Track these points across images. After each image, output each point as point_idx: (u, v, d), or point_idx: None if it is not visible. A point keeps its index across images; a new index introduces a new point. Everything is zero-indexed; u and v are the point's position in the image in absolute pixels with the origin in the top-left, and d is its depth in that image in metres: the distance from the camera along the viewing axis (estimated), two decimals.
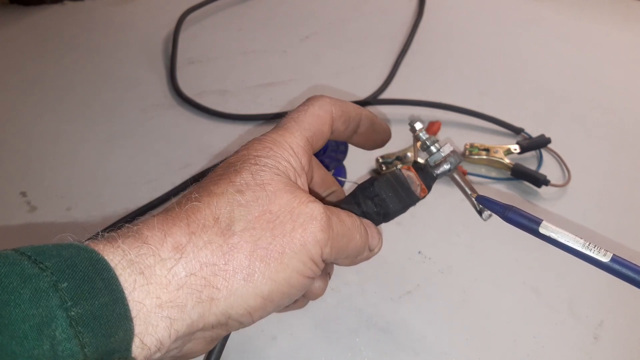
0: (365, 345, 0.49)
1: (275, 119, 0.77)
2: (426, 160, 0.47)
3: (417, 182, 0.45)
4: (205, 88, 0.84)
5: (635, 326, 0.51)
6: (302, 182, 0.34)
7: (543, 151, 0.72)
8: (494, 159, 0.69)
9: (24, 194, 0.66)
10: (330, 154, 0.61)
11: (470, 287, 0.55)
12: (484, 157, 0.69)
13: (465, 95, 0.83)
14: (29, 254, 0.24)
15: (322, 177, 0.42)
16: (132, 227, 0.27)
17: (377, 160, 0.68)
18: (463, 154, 0.70)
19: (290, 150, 0.33)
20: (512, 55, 0.94)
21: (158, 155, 0.71)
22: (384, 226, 0.61)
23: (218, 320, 0.27)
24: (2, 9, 1.04)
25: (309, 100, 0.37)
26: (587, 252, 0.33)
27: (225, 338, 0.43)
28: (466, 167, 0.68)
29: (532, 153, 0.72)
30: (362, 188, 0.44)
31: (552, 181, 0.65)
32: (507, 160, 0.68)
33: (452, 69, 0.90)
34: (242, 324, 0.29)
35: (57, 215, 0.63)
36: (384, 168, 0.67)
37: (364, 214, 0.43)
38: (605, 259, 0.32)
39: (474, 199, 0.46)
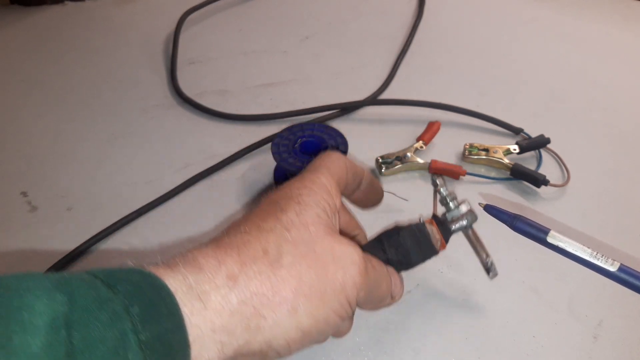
0: (365, 345, 0.50)
1: (275, 119, 0.77)
2: (444, 214, 0.51)
3: (438, 237, 0.47)
4: (205, 88, 0.84)
5: (634, 326, 0.51)
6: (336, 221, 0.36)
7: (542, 151, 0.72)
8: (494, 159, 0.69)
9: (24, 193, 0.66)
10: None
11: (470, 287, 0.55)
12: (484, 157, 0.70)
13: (464, 95, 0.83)
14: (102, 277, 0.25)
15: (347, 221, 0.45)
16: (187, 255, 0.29)
17: (377, 160, 0.69)
18: (463, 154, 0.71)
19: (327, 190, 0.36)
20: (511, 55, 0.94)
21: (158, 155, 0.71)
22: (385, 226, 0.61)
23: (260, 348, 0.29)
24: (3, 9, 1.04)
25: (327, 153, 0.41)
26: (595, 261, 0.34)
27: None
28: (466, 167, 0.68)
29: (532, 153, 0.72)
30: (388, 235, 0.46)
31: (552, 181, 0.66)
32: (506, 161, 0.68)
33: (452, 69, 0.90)
34: (279, 354, 0.30)
35: (57, 215, 0.63)
36: (383, 168, 0.68)
37: (388, 261, 0.45)
38: (612, 268, 0.33)
39: (485, 258, 0.50)
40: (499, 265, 0.57)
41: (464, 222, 0.49)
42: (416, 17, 1.03)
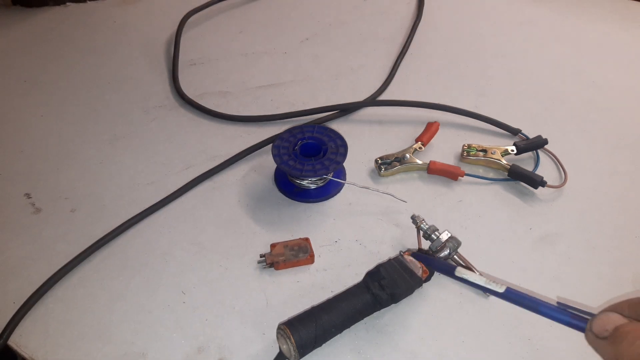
0: (364, 347, 0.50)
1: (275, 120, 0.78)
2: (429, 247, 0.55)
3: (419, 265, 0.51)
4: (206, 89, 0.85)
5: None
6: None
7: (540, 152, 0.73)
8: (492, 159, 0.70)
9: (28, 195, 0.66)
10: (329, 156, 0.62)
11: (467, 289, 0.56)
12: (482, 157, 0.70)
13: (463, 96, 0.84)
14: None
15: None
16: None
17: (376, 161, 0.69)
18: (461, 155, 0.71)
19: None
20: (510, 56, 0.94)
21: (160, 156, 0.72)
22: (383, 227, 0.62)
23: None
24: (5, 11, 1.05)
25: None
26: (487, 286, 0.40)
27: None
28: (464, 168, 0.69)
29: (529, 154, 0.73)
30: (371, 274, 0.51)
31: (549, 182, 0.66)
32: (504, 161, 0.69)
33: (451, 70, 0.91)
34: None
35: (61, 217, 0.63)
36: (382, 169, 0.68)
37: (374, 296, 0.49)
38: (500, 290, 0.39)
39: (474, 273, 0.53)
40: (496, 268, 0.58)
41: (448, 250, 0.54)
42: (415, 18, 1.03)
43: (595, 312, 0.30)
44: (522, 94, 0.85)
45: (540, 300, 0.35)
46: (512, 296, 0.38)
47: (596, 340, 0.29)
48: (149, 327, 0.52)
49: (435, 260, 0.49)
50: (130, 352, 0.50)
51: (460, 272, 0.43)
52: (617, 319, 0.29)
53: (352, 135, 0.75)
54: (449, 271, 0.44)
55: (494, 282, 0.40)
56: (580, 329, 0.31)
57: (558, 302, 0.36)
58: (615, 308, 0.30)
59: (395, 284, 0.49)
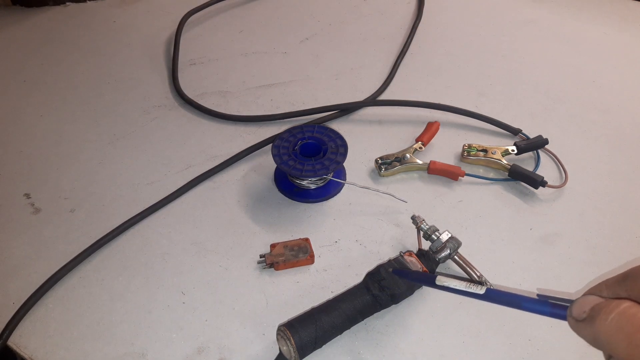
0: (364, 348, 0.50)
1: (275, 119, 0.78)
2: (429, 247, 0.55)
3: (419, 266, 0.52)
4: (206, 89, 0.85)
5: None
6: None
7: (540, 152, 0.72)
8: (492, 159, 0.70)
9: (27, 195, 0.66)
10: (329, 156, 0.62)
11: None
12: (482, 157, 0.70)
13: (463, 96, 0.84)
14: None
15: None
16: None
17: (376, 161, 0.69)
18: (461, 155, 0.71)
19: None
20: (510, 56, 0.94)
21: (160, 156, 0.72)
22: (383, 227, 0.62)
23: None
24: (5, 10, 1.05)
25: None
26: (468, 290, 0.40)
27: None
28: (464, 167, 0.69)
29: (530, 154, 0.73)
30: (371, 274, 0.51)
31: (549, 182, 0.66)
32: (504, 161, 0.69)
33: (451, 70, 0.90)
34: None
35: (61, 217, 0.63)
36: (382, 169, 0.68)
37: (374, 297, 0.49)
38: (481, 292, 0.39)
39: (477, 278, 0.55)
40: (496, 267, 0.58)
41: (447, 251, 0.54)
42: (415, 18, 1.03)
43: (575, 298, 0.31)
44: (523, 94, 0.85)
45: (521, 295, 0.35)
46: (494, 296, 0.38)
47: (576, 325, 0.29)
48: (148, 327, 0.52)
49: (413, 272, 0.49)
50: (130, 352, 0.50)
51: (440, 280, 0.43)
52: (593, 300, 0.29)
53: (352, 135, 0.75)
54: (430, 281, 0.44)
55: (473, 285, 0.40)
56: (563, 317, 0.31)
57: (538, 295, 0.35)
58: (593, 291, 0.31)
59: (395, 285, 0.49)
